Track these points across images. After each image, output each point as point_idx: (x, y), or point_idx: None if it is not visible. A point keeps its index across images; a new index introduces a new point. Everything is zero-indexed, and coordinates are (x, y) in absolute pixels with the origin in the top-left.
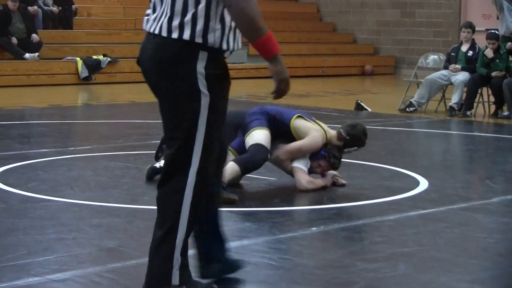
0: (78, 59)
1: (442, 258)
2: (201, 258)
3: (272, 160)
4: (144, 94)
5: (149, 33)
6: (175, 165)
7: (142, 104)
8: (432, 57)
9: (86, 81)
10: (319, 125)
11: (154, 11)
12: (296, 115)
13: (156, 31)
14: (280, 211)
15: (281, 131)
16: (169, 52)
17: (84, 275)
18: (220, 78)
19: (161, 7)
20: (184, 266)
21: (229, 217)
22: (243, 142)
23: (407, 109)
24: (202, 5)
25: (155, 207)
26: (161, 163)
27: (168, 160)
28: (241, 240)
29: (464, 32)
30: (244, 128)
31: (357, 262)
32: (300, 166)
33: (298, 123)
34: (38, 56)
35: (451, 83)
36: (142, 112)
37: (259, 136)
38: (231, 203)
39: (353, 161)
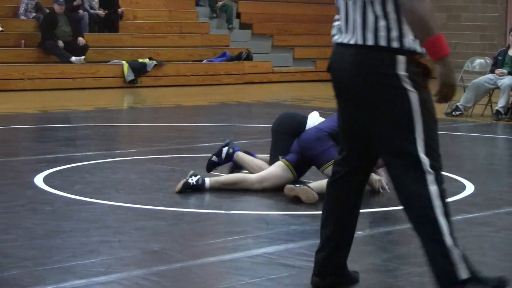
0: (123, 62)
1: (487, 262)
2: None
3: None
4: (189, 97)
5: (341, 44)
6: (409, 176)
7: (187, 107)
8: (479, 61)
9: (131, 84)
10: None
11: (346, 20)
12: None
13: (352, 42)
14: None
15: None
16: (368, 60)
17: (129, 277)
18: (421, 75)
19: (352, 16)
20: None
21: (274, 219)
22: (301, 161)
23: (453, 113)
24: (391, 10)
25: (200, 210)
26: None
27: (399, 177)
28: (286, 243)
29: (511, 36)
30: (316, 158)
31: (402, 266)
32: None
33: None
34: (84, 59)
35: (498, 87)
36: (187, 115)
37: None
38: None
39: None
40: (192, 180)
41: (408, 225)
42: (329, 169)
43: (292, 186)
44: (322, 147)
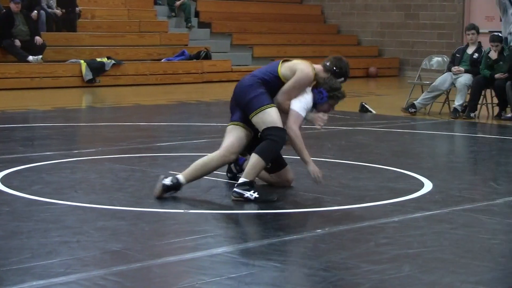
0: (82, 61)
1: (447, 259)
2: None
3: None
4: (149, 97)
5: None
6: None
7: (147, 106)
8: (436, 59)
9: (90, 83)
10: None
11: None
12: (279, 62)
13: None
14: (285, 213)
15: (276, 87)
16: None
17: (88, 278)
18: None
19: None
20: None
21: (234, 219)
22: (245, 116)
23: (410, 110)
24: None
25: (159, 210)
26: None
27: None
28: (246, 242)
29: (469, 34)
30: (246, 105)
31: (362, 263)
32: (297, 110)
33: (284, 68)
34: (41, 58)
35: (454, 85)
36: (147, 115)
37: (270, 117)
38: (272, 203)
39: (357, 163)
40: (167, 181)
41: (367, 223)
42: (257, 117)
43: (239, 197)
44: (252, 93)
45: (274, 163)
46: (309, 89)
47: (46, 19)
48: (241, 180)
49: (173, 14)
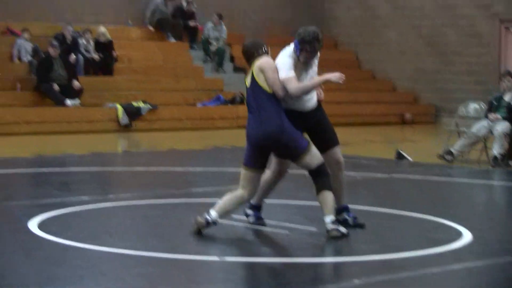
0: (118, 105)
1: None
2: None
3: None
4: (184, 142)
5: None
6: None
7: (182, 151)
8: (473, 106)
9: (126, 128)
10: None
11: None
12: (252, 77)
13: None
14: (322, 263)
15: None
16: None
17: None
18: None
19: None
20: None
21: (268, 267)
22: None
23: (446, 157)
24: None
25: (194, 257)
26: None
27: None
28: None
29: (504, 81)
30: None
31: None
32: (284, 76)
33: (259, 79)
34: (79, 102)
35: (492, 133)
36: (182, 160)
37: (317, 151)
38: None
39: (395, 212)
40: (205, 219)
41: (406, 273)
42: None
43: (338, 233)
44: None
45: (326, 141)
46: (283, 53)
47: (83, 64)
48: (329, 218)
49: (208, 59)
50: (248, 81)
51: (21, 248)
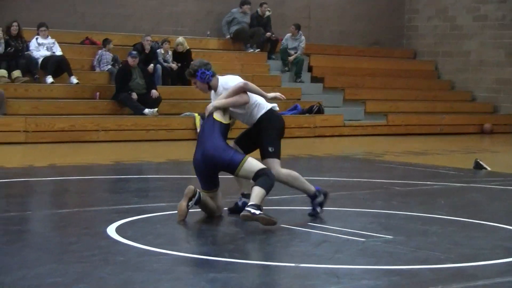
0: (196, 114)
1: None
2: None
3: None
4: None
5: None
6: None
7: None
8: None
9: None
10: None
11: None
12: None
13: None
14: (397, 270)
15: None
16: None
17: None
18: None
19: None
20: None
21: (344, 273)
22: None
23: None
24: None
25: (270, 263)
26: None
27: None
28: None
29: None
30: (228, 166)
31: None
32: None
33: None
34: (157, 111)
35: None
36: None
37: (254, 162)
38: (273, 224)
39: (471, 221)
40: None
41: (481, 282)
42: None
43: (248, 213)
44: (227, 154)
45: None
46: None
47: (162, 73)
48: (251, 202)
49: (286, 68)
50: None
51: (99, 252)
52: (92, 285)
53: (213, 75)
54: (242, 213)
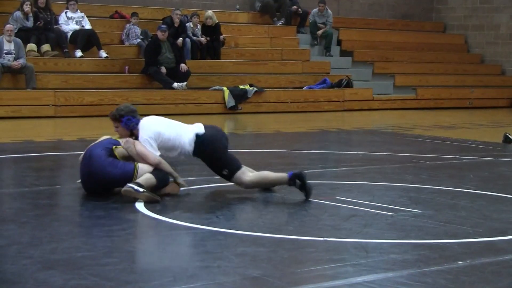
0: (225, 88)
1: None
2: None
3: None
4: (289, 124)
5: None
6: None
7: (287, 134)
8: None
9: (232, 110)
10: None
11: None
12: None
13: None
14: (426, 244)
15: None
16: None
17: None
18: None
19: None
20: None
21: (373, 248)
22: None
23: None
24: None
25: (298, 237)
26: None
27: None
28: (385, 272)
29: None
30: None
31: None
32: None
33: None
34: (186, 85)
35: None
36: (287, 142)
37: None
38: (155, 202)
39: (501, 195)
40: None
41: (510, 256)
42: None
43: (131, 189)
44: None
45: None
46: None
47: (191, 47)
48: (137, 181)
49: (315, 42)
50: None
51: (128, 226)
52: (121, 259)
53: (138, 123)
54: (123, 188)
